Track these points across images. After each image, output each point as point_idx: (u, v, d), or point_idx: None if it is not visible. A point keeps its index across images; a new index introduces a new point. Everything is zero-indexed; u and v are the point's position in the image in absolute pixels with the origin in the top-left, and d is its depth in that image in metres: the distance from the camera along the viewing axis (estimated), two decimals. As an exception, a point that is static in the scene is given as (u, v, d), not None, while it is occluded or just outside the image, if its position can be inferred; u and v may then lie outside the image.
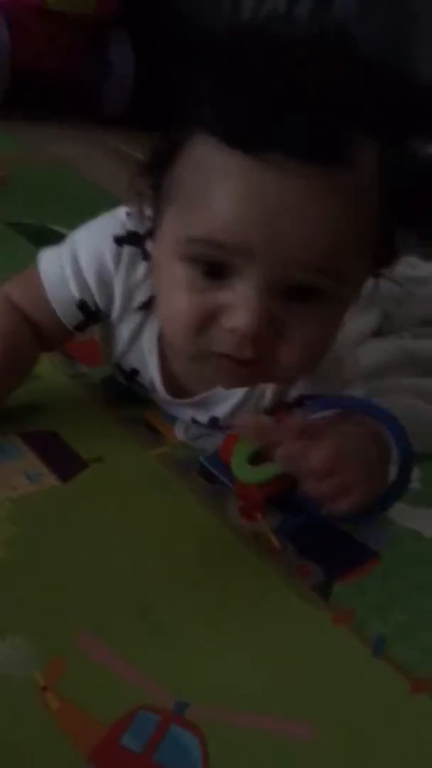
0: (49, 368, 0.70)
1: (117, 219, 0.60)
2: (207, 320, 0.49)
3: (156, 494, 0.58)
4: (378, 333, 0.78)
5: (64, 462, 0.59)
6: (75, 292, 0.60)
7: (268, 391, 0.60)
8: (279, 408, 0.60)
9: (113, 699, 0.42)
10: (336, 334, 0.53)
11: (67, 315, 0.61)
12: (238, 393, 0.61)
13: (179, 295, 0.50)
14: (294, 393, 0.60)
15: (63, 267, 0.60)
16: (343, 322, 0.53)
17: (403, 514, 0.62)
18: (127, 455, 0.62)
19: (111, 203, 0.62)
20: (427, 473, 0.69)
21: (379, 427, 0.54)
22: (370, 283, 0.76)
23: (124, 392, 0.68)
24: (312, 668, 0.47)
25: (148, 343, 0.62)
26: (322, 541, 0.57)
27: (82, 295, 0.60)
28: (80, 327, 0.62)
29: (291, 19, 1.46)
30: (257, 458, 0.56)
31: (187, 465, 0.62)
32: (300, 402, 0.59)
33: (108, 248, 0.59)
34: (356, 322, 0.76)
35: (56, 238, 0.64)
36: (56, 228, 1.07)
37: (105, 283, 0.60)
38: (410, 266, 0.80)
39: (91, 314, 0.61)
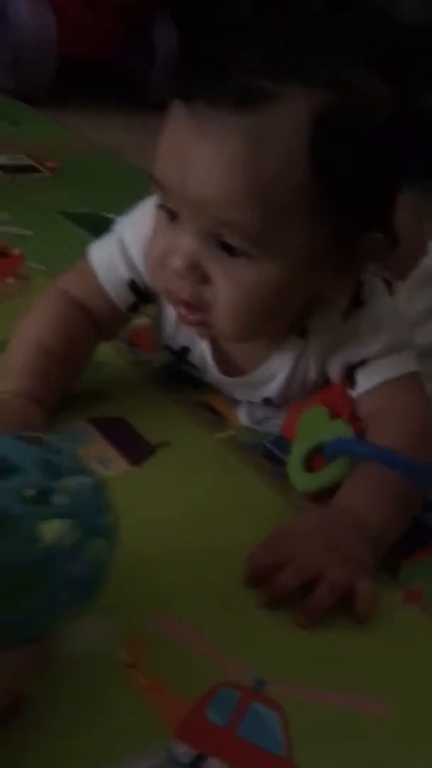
0: (112, 355, 0.72)
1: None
2: (163, 259, 0.54)
3: (223, 477, 0.60)
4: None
5: (133, 447, 0.61)
6: (124, 272, 0.63)
7: (311, 369, 0.62)
8: (325, 385, 0.62)
9: (194, 676, 0.43)
10: (276, 299, 0.53)
11: (120, 296, 0.64)
12: (285, 369, 0.62)
13: (152, 239, 0.56)
14: (335, 366, 0.61)
15: (111, 252, 0.63)
16: (289, 290, 0.54)
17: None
18: (193, 439, 0.63)
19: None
20: None
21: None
22: (427, 264, 0.76)
23: (185, 377, 0.69)
24: (385, 645, 0.48)
25: None
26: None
27: (131, 274, 0.63)
28: (133, 307, 0.65)
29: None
30: (313, 459, 0.57)
31: (252, 448, 0.63)
32: (350, 372, 0.60)
33: (149, 228, 0.60)
34: (413, 300, 0.76)
35: (110, 226, 0.66)
36: (109, 215, 1.09)
37: None
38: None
39: (142, 293, 0.64)
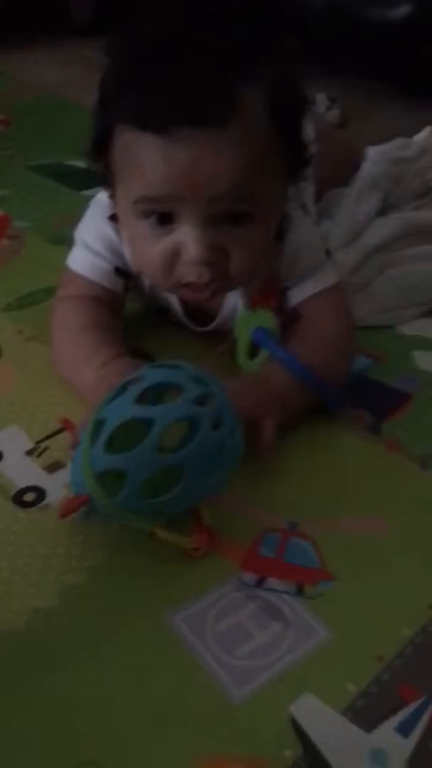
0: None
1: (102, 203, 0.74)
2: (170, 259, 0.63)
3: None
4: (382, 212, 0.90)
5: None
6: (106, 263, 0.74)
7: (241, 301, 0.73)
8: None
9: (245, 529, 0.59)
10: (270, 241, 0.66)
11: (114, 283, 0.75)
12: (240, 298, 0.72)
13: (145, 246, 0.64)
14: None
15: (85, 256, 0.74)
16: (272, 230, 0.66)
17: (425, 361, 0.78)
18: (201, 353, 0.75)
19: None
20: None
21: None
22: (372, 170, 0.88)
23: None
24: (378, 480, 0.64)
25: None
26: (366, 393, 0.73)
27: (112, 263, 0.74)
28: (127, 288, 0.76)
29: None
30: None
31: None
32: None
33: (106, 226, 0.73)
34: (362, 205, 0.89)
35: (77, 173, 0.74)
36: (71, 162, 1.17)
37: (117, 252, 0.74)
38: (399, 148, 0.91)
39: (128, 275, 0.75)
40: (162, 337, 0.79)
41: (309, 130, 0.91)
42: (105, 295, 0.75)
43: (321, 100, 1.28)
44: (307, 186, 0.85)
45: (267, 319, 0.70)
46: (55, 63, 1.67)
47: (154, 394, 0.56)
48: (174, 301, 0.76)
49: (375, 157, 0.91)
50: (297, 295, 0.73)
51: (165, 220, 0.61)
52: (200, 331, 0.78)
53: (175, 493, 0.52)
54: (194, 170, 0.57)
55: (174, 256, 0.62)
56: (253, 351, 0.71)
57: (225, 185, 0.58)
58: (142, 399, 0.54)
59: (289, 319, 0.73)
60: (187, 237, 0.61)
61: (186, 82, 0.56)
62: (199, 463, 0.53)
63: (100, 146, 0.64)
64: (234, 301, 0.73)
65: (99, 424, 0.54)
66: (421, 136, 0.98)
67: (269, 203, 0.64)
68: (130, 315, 0.81)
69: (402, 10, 1.37)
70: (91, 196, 0.78)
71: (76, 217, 0.79)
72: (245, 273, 0.65)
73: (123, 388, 0.55)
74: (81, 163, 1.16)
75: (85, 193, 1.03)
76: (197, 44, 0.58)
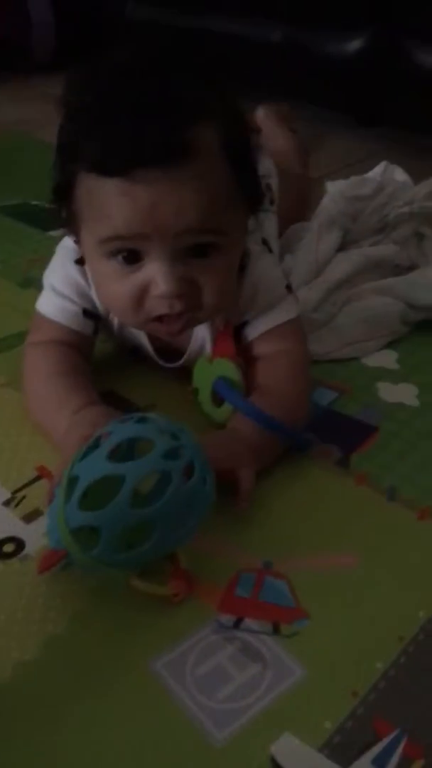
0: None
1: (68, 248, 0.76)
2: (139, 296, 0.65)
3: (204, 418, 0.75)
4: (342, 248, 0.93)
5: (127, 412, 0.76)
6: (75, 306, 0.76)
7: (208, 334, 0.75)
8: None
9: (222, 569, 0.60)
10: (235, 271, 0.68)
11: (83, 326, 0.77)
12: (207, 334, 0.75)
13: (113, 285, 0.65)
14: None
15: (54, 300, 0.76)
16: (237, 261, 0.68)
17: (388, 392, 0.81)
18: (174, 396, 0.78)
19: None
20: (401, 354, 0.87)
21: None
22: (331, 208, 0.91)
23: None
24: (348, 514, 0.66)
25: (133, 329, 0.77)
26: (334, 426, 0.75)
27: (80, 306, 0.76)
28: (96, 330, 0.78)
29: None
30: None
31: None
32: (238, 330, 0.75)
33: (73, 270, 0.75)
34: (322, 242, 0.92)
35: (42, 213, 0.76)
36: (38, 203, 1.19)
37: (85, 295, 0.76)
38: (357, 186, 0.95)
39: (96, 316, 0.77)
40: (135, 378, 0.81)
41: (267, 164, 0.95)
42: (75, 338, 0.77)
43: (283, 112, 1.32)
44: (269, 220, 0.88)
45: (228, 368, 0.72)
46: (17, 100, 1.69)
47: (128, 445, 0.57)
48: (143, 339, 0.78)
49: (334, 195, 0.94)
50: (255, 330, 0.75)
51: (132, 258, 0.63)
52: (170, 367, 0.80)
53: (148, 545, 0.54)
54: (158, 208, 0.60)
55: (143, 292, 0.64)
56: (219, 398, 0.73)
57: (190, 219, 0.61)
58: (114, 452, 0.56)
59: (247, 359, 0.75)
60: (156, 273, 0.63)
61: (142, 128, 0.58)
62: (171, 515, 0.54)
63: (63, 192, 0.65)
64: (201, 336, 0.75)
65: (73, 482, 0.55)
66: (376, 172, 1.02)
67: (234, 233, 0.66)
68: (102, 357, 0.83)
69: (355, 45, 1.42)
70: (58, 237, 0.80)
71: (44, 259, 0.81)
72: (217, 302, 0.67)
73: (95, 444, 0.56)
74: (46, 203, 1.18)
75: (52, 233, 1.04)
76: (151, 86, 0.60)
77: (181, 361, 0.79)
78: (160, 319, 0.66)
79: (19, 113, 1.60)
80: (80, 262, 0.74)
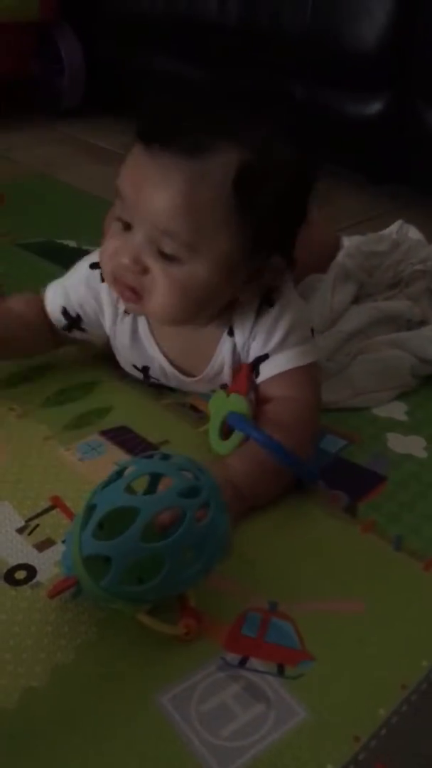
0: (106, 378, 0.88)
1: (93, 253, 0.81)
2: (114, 255, 0.70)
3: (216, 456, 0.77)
4: (356, 300, 0.96)
5: (140, 448, 0.78)
6: (59, 302, 0.83)
7: (248, 357, 0.77)
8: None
9: (229, 608, 0.61)
10: (199, 294, 0.70)
11: (55, 319, 0.84)
12: (227, 362, 0.78)
13: (107, 240, 0.73)
14: (251, 356, 0.77)
15: (56, 289, 0.84)
16: (210, 289, 0.70)
17: (397, 443, 0.82)
18: (186, 434, 0.80)
19: (95, 205, 0.79)
20: (411, 406, 0.89)
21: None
22: (347, 262, 0.94)
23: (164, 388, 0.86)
24: (355, 561, 0.67)
25: (145, 339, 0.81)
26: (343, 474, 0.77)
27: (65, 303, 0.83)
28: (67, 328, 0.84)
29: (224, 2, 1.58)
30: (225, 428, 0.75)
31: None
32: (255, 365, 0.77)
33: (89, 272, 0.81)
34: (338, 294, 0.95)
35: (65, 251, 0.82)
36: (62, 241, 1.22)
37: (94, 298, 0.81)
38: (373, 242, 0.98)
39: (72, 320, 0.83)
40: (149, 415, 0.83)
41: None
42: (50, 323, 0.85)
43: None
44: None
45: (240, 404, 0.74)
46: (43, 142, 1.75)
47: (151, 480, 0.59)
48: (156, 351, 0.81)
49: (350, 250, 0.97)
50: (269, 370, 0.76)
51: (127, 226, 0.70)
52: (189, 381, 0.82)
53: (157, 581, 0.55)
54: (145, 183, 0.66)
55: (117, 254, 0.70)
56: (227, 433, 0.75)
57: (161, 210, 0.65)
58: (136, 485, 0.57)
59: (261, 396, 0.76)
60: (127, 244, 0.69)
61: (181, 117, 0.66)
62: (180, 553, 0.55)
63: None
64: (221, 361, 0.78)
65: (90, 510, 0.57)
66: (392, 230, 1.05)
67: (207, 259, 0.68)
68: (117, 394, 0.86)
69: (375, 107, 1.47)
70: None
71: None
72: (156, 310, 0.71)
73: (118, 475, 0.58)
74: (71, 242, 1.22)
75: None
76: (211, 99, 0.69)
77: (199, 377, 0.81)
78: (118, 282, 0.72)
79: (44, 155, 1.64)
80: (94, 266, 0.80)
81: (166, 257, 0.68)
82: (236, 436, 0.74)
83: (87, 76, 1.86)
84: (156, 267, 0.68)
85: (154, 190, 0.65)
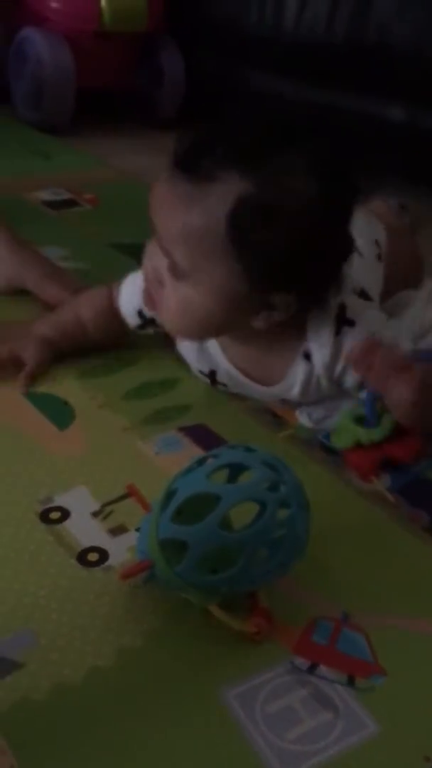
0: (188, 376, 0.88)
1: None
2: (147, 262, 0.74)
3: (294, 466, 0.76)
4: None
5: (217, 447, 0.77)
6: (135, 304, 0.84)
7: (323, 382, 0.77)
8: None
9: (299, 613, 0.60)
10: (201, 315, 0.71)
11: (130, 319, 0.87)
12: (298, 384, 0.78)
13: (149, 246, 0.75)
14: (348, 382, 0.77)
15: (132, 290, 0.84)
16: (211, 312, 0.70)
17: None
18: (262, 438, 0.80)
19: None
20: None
21: None
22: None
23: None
24: (429, 583, 0.64)
25: (211, 345, 0.81)
26: (425, 493, 0.75)
27: (141, 307, 0.83)
28: (140, 327, 0.87)
29: (332, 21, 1.59)
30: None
31: (310, 443, 0.80)
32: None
33: None
34: (429, 308, 0.93)
35: None
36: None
37: None
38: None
39: (146, 320, 0.85)
40: (227, 415, 0.83)
41: (379, 230, 0.96)
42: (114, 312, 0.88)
43: (393, 205, 1.34)
44: (372, 271, 0.89)
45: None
46: (137, 151, 1.78)
47: (231, 471, 0.58)
48: (221, 358, 0.81)
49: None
50: None
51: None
52: (264, 390, 0.81)
53: (231, 573, 0.54)
54: (157, 207, 0.69)
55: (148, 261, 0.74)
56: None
57: (165, 229, 0.68)
58: (217, 474, 0.57)
59: None
60: (152, 258, 0.73)
61: (206, 147, 0.66)
62: (257, 546, 0.54)
63: None
64: (296, 377, 0.77)
65: (171, 494, 0.56)
66: None
67: (205, 287, 0.69)
68: (196, 391, 0.86)
69: None
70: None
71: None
72: (169, 321, 0.75)
73: (201, 462, 0.58)
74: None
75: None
76: (241, 128, 0.68)
77: (274, 388, 0.80)
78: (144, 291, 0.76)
79: (139, 162, 1.68)
80: None
81: (175, 275, 0.70)
82: (387, 419, 0.72)
83: (186, 89, 1.89)
84: (168, 282, 0.71)
85: (162, 213, 0.69)
